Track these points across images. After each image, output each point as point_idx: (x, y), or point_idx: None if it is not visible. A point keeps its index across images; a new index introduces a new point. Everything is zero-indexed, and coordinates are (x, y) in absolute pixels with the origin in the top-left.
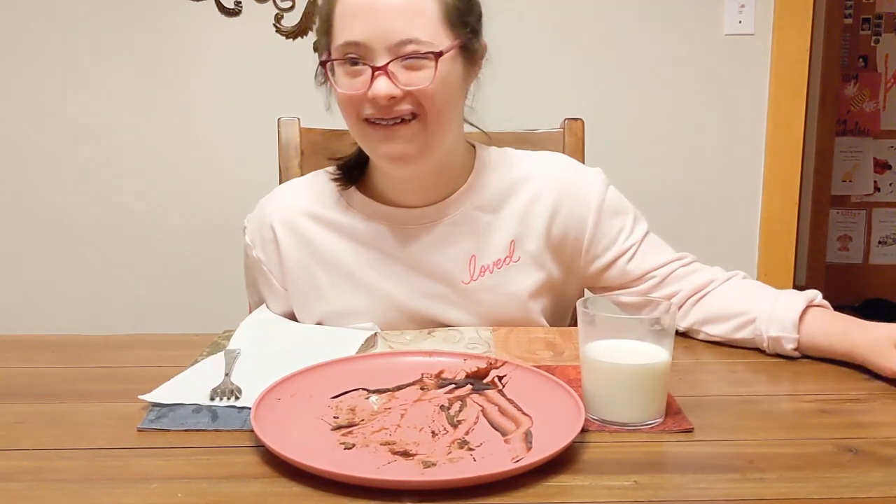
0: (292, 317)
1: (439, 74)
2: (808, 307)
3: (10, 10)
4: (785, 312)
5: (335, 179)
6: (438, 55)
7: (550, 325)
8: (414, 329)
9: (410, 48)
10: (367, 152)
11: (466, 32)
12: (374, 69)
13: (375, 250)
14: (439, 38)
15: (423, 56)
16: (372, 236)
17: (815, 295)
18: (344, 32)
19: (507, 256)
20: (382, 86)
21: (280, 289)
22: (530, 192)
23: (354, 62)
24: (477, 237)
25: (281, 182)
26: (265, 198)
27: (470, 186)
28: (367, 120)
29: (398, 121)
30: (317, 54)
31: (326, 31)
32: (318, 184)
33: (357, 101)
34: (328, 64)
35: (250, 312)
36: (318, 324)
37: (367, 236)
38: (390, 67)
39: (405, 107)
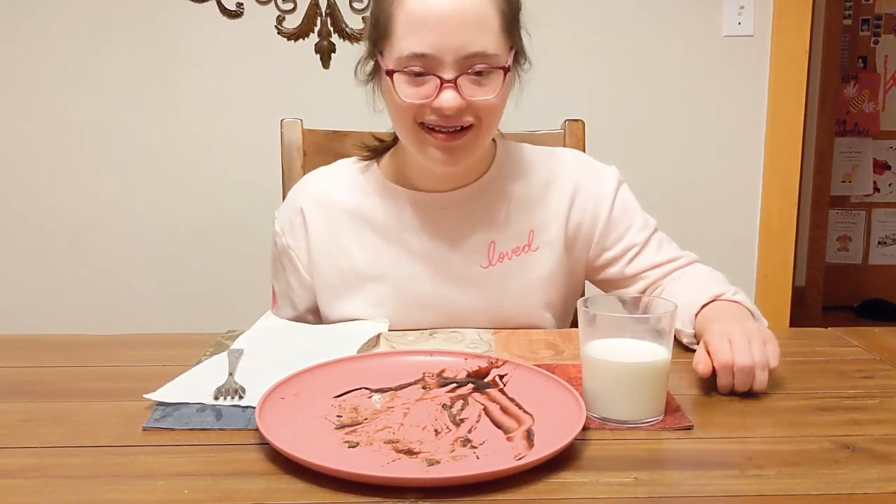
0: (315, 308)
1: (503, 87)
2: (712, 301)
3: (16, 11)
4: (687, 307)
5: (364, 158)
6: (507, 70)
7: (555, 320)
8: (429, 317)
9: (478, 61)
10: (417, 153)
11: (517, 38)
12: (444, 81)
13: (398, 235)
14: (501, 48)
15: (492, 69)
16: (395, 222)
17: (725, 290)
18: (410, 41)
19: (525, 245)
20: (451, 98)
21: (306, 276)
22: (550, 184)
23: (419, 74)
24: (497, 224)
25: (283, 183)
26: (294, 186)
27: (492, 175)
28: (423, 124)
29: (457, 129)
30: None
31: (384, 33)
32: (344, 171)
33: (418, 107)
34: (384, 70)
35: (273, 303)
36: (341, 316)
37: (390, 222)
38: (459, 81)
39: (467, 117)
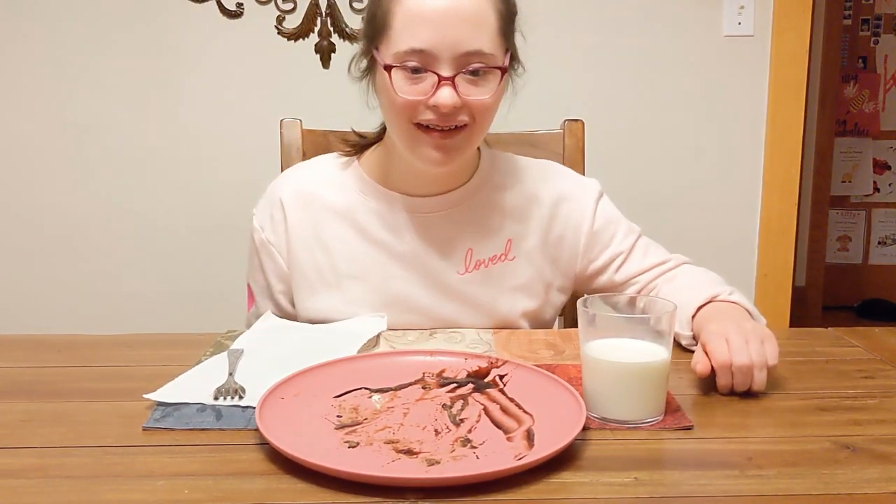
0: (290, 299)
1: (499, 88)
2: (708, 302)
3: (16, 11)
4: (683, 309)
5: (345, 154)
6: (504, 70)
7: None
8: (407, 319)
9: (475, 60)
10: (409, 152)
11: (512, 41)
12: (441, 78)
13: (379, 235)
14: (497, 49)
15: (489, 69)
16: (377, 221)
17: (721, 291)
18: (408, 38)
19: (502, 254)
20: (448, 95)
21: (284, 268)
22: (532, 196)
23: (417, 70)
24: (476, 232)
25: None
26: (274, 181)
27: (476, 182)
28: (419, 124)
29: (452, 128)
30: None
31: (382, 29)
32: (325, 166)
33: (414, 105)
34: (381, 66)
35: (250, 304)
36: (315, 312)
37: (372, 221)
38: (456, 79)
39: (463, 116)
